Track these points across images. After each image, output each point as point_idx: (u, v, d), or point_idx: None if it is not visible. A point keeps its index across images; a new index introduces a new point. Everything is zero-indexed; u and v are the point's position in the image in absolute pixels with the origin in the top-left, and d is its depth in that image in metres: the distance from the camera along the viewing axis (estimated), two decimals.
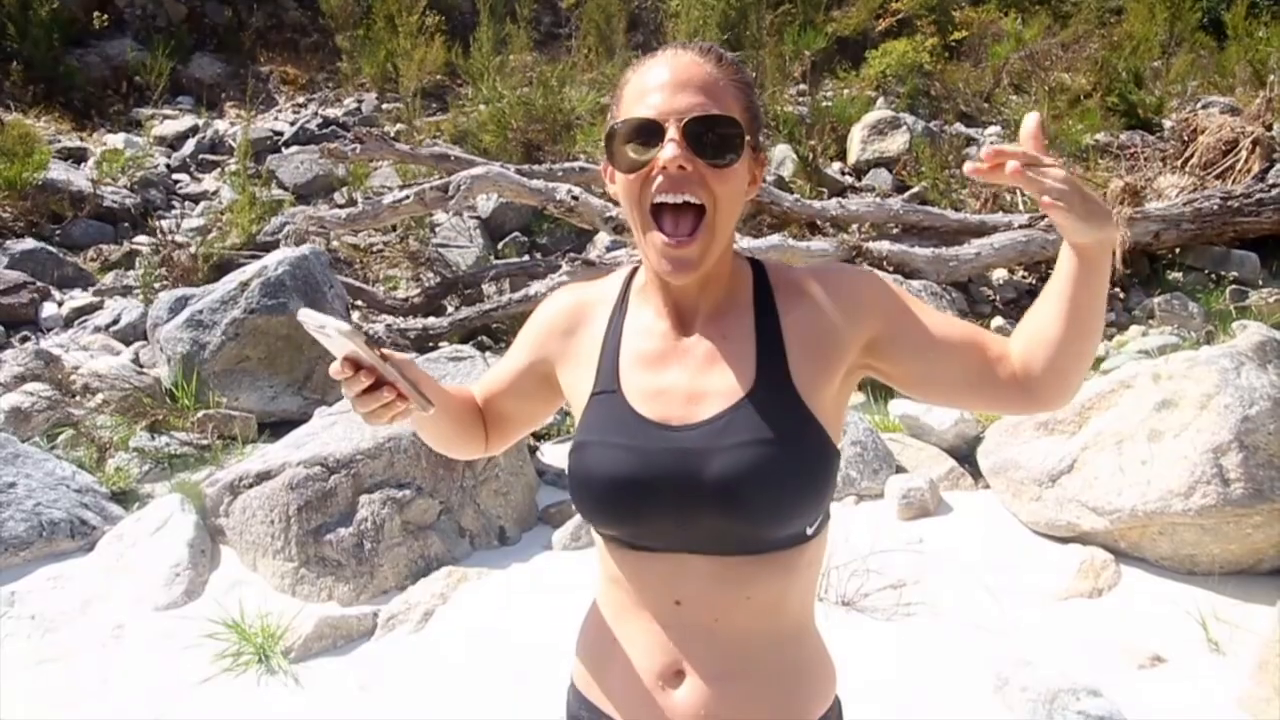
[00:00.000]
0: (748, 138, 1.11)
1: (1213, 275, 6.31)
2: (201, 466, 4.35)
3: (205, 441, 4.50)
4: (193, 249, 6.23)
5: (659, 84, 1.10)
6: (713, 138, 1.08)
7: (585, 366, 1.24)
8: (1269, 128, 7.33)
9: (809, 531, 1.15)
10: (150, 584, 3.51)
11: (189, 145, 8.66)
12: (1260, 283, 6.22)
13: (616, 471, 1.13)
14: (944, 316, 1.20)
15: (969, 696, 2.81)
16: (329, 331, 1.06)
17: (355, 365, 1.09)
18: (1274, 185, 6.30)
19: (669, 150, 1.07)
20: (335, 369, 1.09)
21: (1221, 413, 3.26)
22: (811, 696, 1.22)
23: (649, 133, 1.09)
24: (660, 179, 1.08)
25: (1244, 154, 6.76)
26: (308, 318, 1.06)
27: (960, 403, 1.25)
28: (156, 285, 5.95)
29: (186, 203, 7.86)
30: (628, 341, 1.22)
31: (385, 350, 1.10)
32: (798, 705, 1.20)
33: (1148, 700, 2.76)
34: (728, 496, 1.09)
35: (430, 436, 1.34)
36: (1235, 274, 6.24)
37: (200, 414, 4.58)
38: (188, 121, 9.11)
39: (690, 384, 1.16)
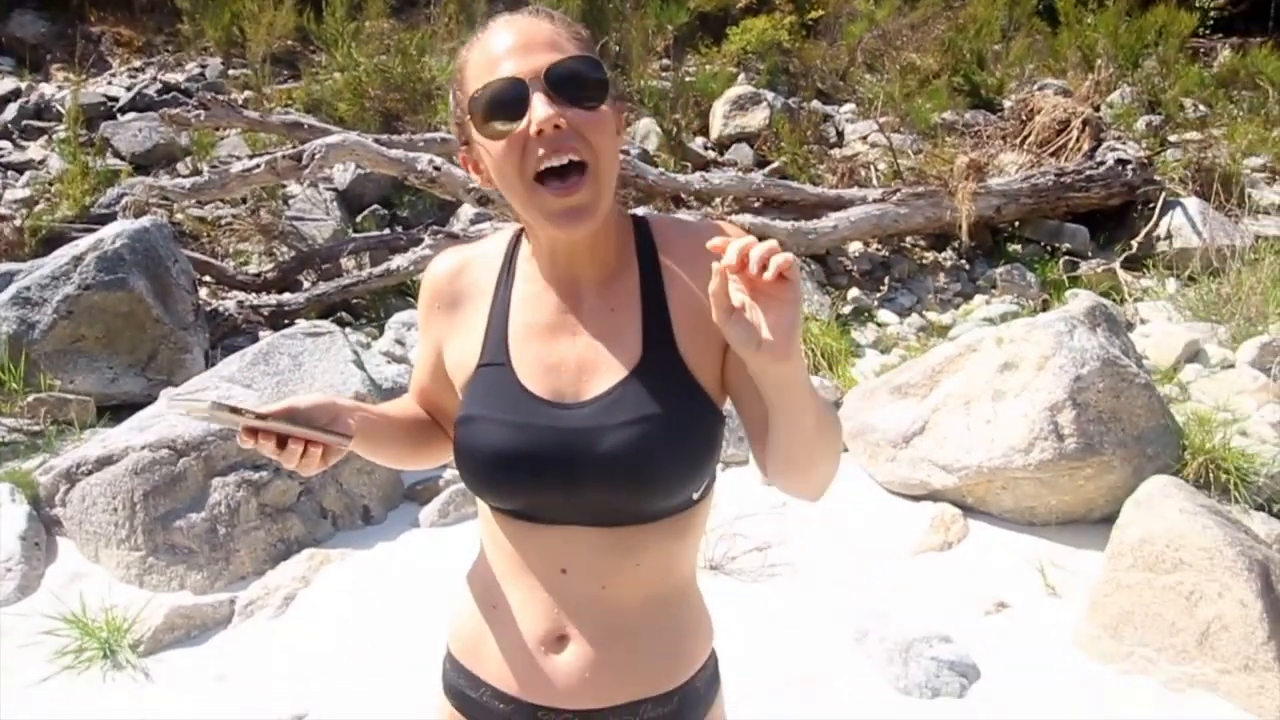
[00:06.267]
0: (609, 77, 1.09)
1: (1048, 247, 6.71)
2: (33, 454, 4.05)
3: (37, 427, 4.20)
4: (17, 221, 5.77)
5: (505, 49, 1.06)
6: (576, 82, 1.05)
7: (472, 336, 1.21)
8: (1097, 109, 7.84)
9: (695, 497, 1.16)
10: None
11: (10, 110, 7.98)
12: (1089, 254, 6.66)
13: (504, 448, 1.12)
14: None
15: (831, 649, 2.93)
16: (202, 413, 1.06)
17: (253, 432, 1.10)
18: (1101, 163, 6.75)
19: (540, 109, 1.02)
20: (240, 443, 1.11)
21: (1057, 373, 3.48)
22: (691, 652, 1.24)
23: (512, 98, 1.04)
24: (539, 147, 1.04)
25: (1075, 133, 7.19)
26: (175, 406, 1.07)
27: (751, 438, 1.16)
28: None
29: (9, 172, 7.25)
30: (516, 312, 1.19)
31: (258, 409, 1.11)
32: (678, 661, 1.22)
33: (994, 643, 2.94)
34: (616, 475, 1.09)
35: (385, 460, 1.32)
36: (1068, 246, 6.65)
37: (31, 398, 4.26)
38: (8, 84, 8.39)
39: (579, 357, 1.15)
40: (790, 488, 1.14)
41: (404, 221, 6.92)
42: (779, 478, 1.13)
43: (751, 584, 3.30)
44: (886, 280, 6.46)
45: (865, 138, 8.25)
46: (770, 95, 8.23)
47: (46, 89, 8.50)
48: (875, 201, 6.38)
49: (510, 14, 1.11)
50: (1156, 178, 6.93)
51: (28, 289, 4.48)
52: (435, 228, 6.03)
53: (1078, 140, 7.15)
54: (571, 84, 1.05)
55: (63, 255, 4.64)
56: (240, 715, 2.71)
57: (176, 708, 2.76)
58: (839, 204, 6.44)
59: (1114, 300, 5.76)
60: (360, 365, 4.03)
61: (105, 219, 5.77)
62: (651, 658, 1.19)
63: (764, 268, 0.91)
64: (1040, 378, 3.51)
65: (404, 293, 5.88)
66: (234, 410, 1.07)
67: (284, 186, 6.63)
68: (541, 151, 1.04)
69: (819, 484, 1.13)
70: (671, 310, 1.15)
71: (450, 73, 8.42)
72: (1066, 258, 6.51)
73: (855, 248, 6.65)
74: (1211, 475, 3.49)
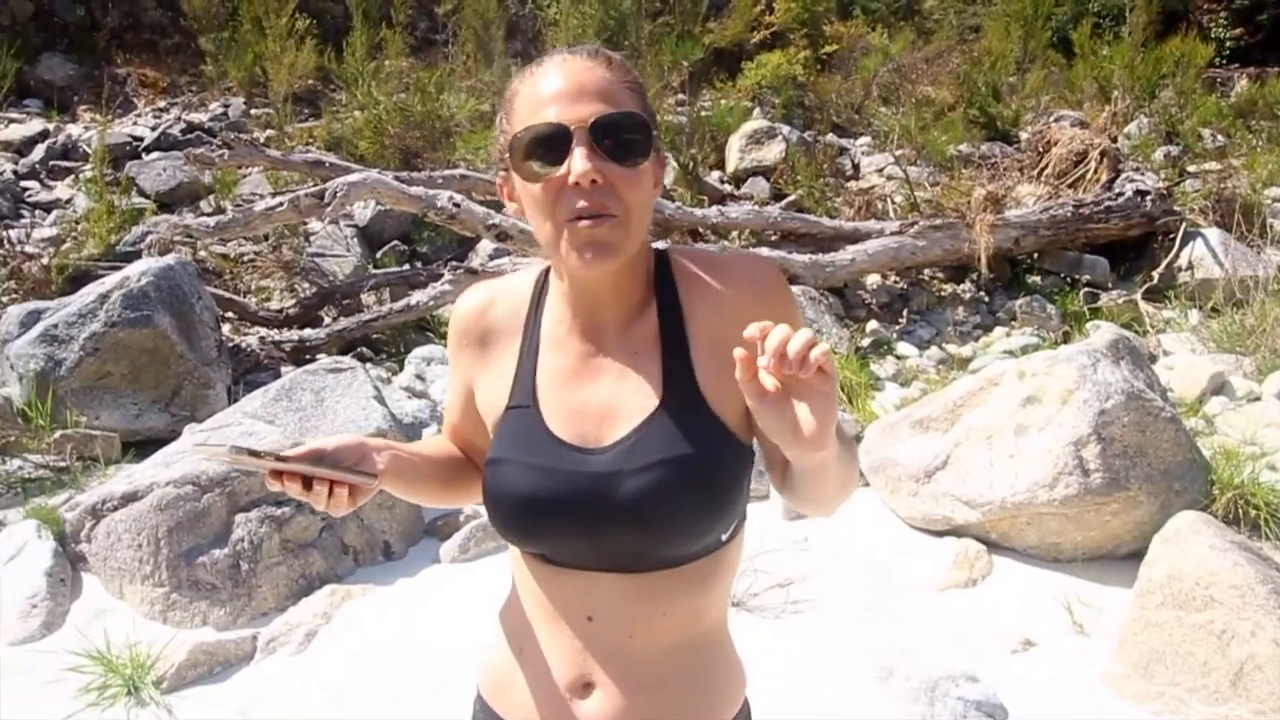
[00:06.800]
0: (655, 132, 1.08)
1: (1068, 279, 6.69)
2: (59, 490, 4.09)
3: (63, 463, 4.23)
4: (45, 260, 5.86)
5: (555, 92, 1.05)
6: (620, 140, 1.04)
7: (502, 377, 1.21)
8: (1114, 140, 7.84)
9: (724, 538, 1.15)
10: (4, 617, 3.27)
11: (38, 150, 8.15)
12: (1109, 285, 6.63)
13: (529, 492, 1.11)
14: None
15: (856, 688, 2.89)
16: (223, 458, 1.08)
17: (278, 474, 1.10)
18: (1120, 194, 6.74)
19: (579, 163, 1.01)
20: (268, 485, 1.12)
21: (1081, 407, 3.46)
22: (722, 702, 1.21)
23: (554, 142, 1.03)
24: (574, 197, 1.03)
25: (1093, 164, 7.19)
26: (198, 451, 1.08)
27: (769, 466, 1.19)
28: (5, 299, 5.57)
29: (37, 211, 7.38)
30: (544, 354, 1.18)
31: (279, 451, 1.11)
32: (707, 711, 1.19)
33: (1020, 682, 2.89)
34: (638, 519, 1.08)
35: (419, 498, 1.31)
36: (1088, 277, 6.63)
37: (57, 434, 4.30)
38: (36, 125, 8.58)
39: (602, 401, 1.14)
40: (805, 511, 1.24)
41: (423, 257, 6.99)
42: (795, 505, 1.21)
43: (774, 620, 3.27)
44: (905, 313, 6.45)
45: (881, 170, 8.28)
46: (786, 129, 8.29)
47: (73, 129, 8.67)
48: (892, 234, 6.38)
49: (568, 52, 1.09)
50: (1176, 208, 6.90)
51: (55, 327, 4.54)
52: (454, 263, 6.07)
53: (1095, 171, 7.14)
54: (615, 139, 1.04)
55: (89, 293, 4.70)
56: None
57: None
58: (856, 237, 6.45)
59: (1136, 332, 5.72)
60: (381, 401, 4.05)
61: (130, 257, 5.86)
62: (680, 709, 1.16)
63: (802, 362, 0.88)
64: (1064, 412, 3.48)
65: (424, 328, 5.92)
66: (254, 453, 1.07)
67: (305, 224, 6.71)
68: (576, 202, 1.04)
69: (835, 509, 1.19)
70: (692, 348, 1.13)
71: (468, 110, 8.53)
72: (1087, 289, 6.48)
73: (873, 280, 6.65)
74: (1240, 511, 3.44)
